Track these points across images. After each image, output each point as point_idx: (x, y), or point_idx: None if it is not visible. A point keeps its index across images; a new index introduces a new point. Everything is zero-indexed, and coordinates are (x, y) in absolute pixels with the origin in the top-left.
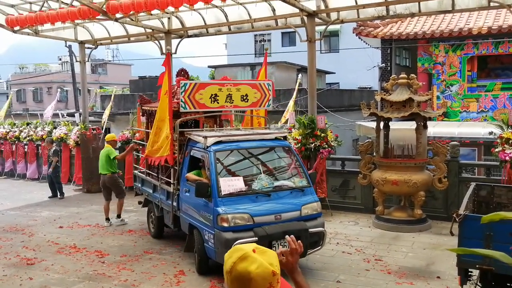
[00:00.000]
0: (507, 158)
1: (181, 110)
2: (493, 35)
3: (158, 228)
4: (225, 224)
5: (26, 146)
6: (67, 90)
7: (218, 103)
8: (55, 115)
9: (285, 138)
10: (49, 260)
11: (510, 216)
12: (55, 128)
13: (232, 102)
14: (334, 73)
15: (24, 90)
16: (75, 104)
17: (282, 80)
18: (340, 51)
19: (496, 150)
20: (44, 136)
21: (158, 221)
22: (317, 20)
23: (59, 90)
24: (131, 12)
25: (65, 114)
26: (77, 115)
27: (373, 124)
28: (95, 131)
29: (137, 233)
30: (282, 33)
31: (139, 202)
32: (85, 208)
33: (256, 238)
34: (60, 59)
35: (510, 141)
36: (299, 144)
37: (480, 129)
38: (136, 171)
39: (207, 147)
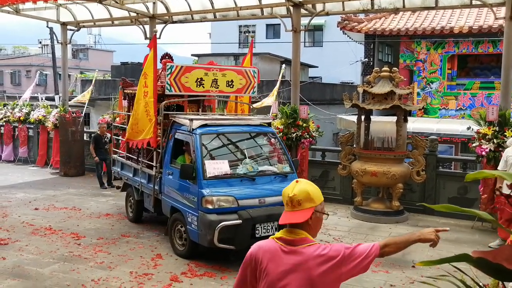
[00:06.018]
0: (483, 153)
1: (166, 92)
2: (474, 35)
3: (137, 212)
4: (210, 206)
5: (1, 128)
6: (46, 74)
7: (203, 87)
8: (34, 98)
9: (269, 124)
10: (23, 241)
11: (492, 174)
12: (33, 110)
13: (218, 87)
14: (317, 67)
15: (1, 72)
16: (55, 88)
17: (265, 71)
18: (323, 45)
19: (474, 145)
20: (21, 118)
21: (138, 205)
22: (302, 11)
23: (38, 73)
24: None
25: (43, 98)
26: (57, 97)
27: (354, 118)
28: (75, 114)
29: (115, 217)
30: (267, 25)
31: (117, 187)
32: (61, 191)
33: (240, 221)
34: (40, 42)
35: (487, 137)
36: (281, 134)
37: (458, 126)
38: (115, 155)
39: (193, 129)
